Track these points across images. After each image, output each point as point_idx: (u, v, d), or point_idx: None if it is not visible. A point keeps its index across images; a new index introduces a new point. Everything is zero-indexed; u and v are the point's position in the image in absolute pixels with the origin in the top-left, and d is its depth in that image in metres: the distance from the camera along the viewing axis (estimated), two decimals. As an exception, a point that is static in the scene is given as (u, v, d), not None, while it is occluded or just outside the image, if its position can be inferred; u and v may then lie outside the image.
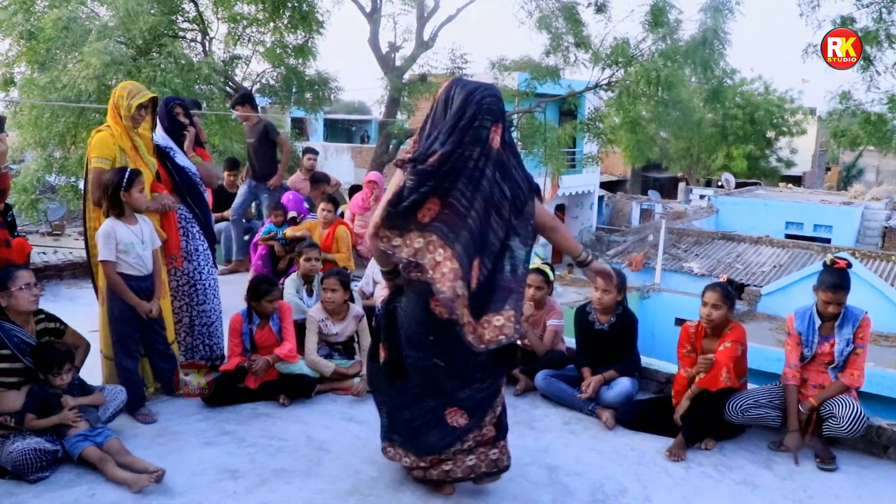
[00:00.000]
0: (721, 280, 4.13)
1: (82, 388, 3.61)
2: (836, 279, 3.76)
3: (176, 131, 4.62)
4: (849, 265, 3.81)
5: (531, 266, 4.75)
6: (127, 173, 3.86)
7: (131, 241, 3.86)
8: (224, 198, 8.01)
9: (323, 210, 6.37)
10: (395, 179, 2.89)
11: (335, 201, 6.63)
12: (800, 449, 3.77)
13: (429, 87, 14.45)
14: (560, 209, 26.28)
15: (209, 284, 4.64)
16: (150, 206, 4.11)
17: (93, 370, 3.97)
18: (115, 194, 3.82)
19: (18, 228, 6.04)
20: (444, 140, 2.79)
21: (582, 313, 4.55)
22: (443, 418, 3.05)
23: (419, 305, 2.95)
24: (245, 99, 7.63)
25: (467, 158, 2.78)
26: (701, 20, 13.81)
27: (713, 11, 13.57)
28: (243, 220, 7.81)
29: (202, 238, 4.62)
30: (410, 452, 3.18)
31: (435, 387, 3.04)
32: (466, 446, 3.10)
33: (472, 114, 2.78)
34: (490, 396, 3.09)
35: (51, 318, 3.73)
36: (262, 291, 4.34)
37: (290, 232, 6.50)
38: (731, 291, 4.03)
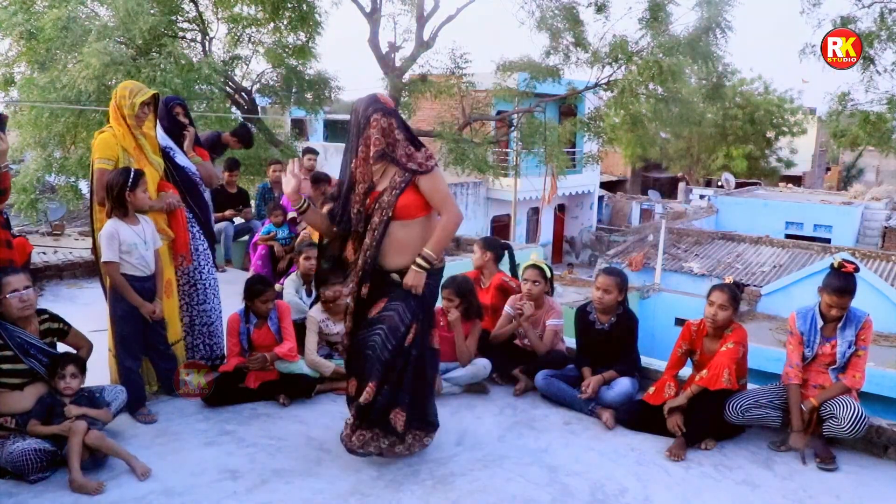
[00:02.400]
0: (728, 281, 4.12)
1: (91, 401, 3.55)
2: (842, 283, 3.71)
3: (176, 131, 4.62)
4: (856, 269, 3.77)
5: (528, 263, 4.78)
6: (132, 174, 3.85)
7: (134, 242, 3.86)
8: (224, 198, 8.02)
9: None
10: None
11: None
12: (806, 448, 3.76)
13: (429, 86, 14.45)
14: (560, 209, 26.27)
15: (209, 284, 4.65)
16: (154, 204, 4.10)
17: (93, 371, 3.96)
18: (119, 194, 3.81)
19: (18, 228, 6.05)
20: None
21: (582, 313, 4.55)
22: None
23: None
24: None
25: None
26: (699, 13, 13.86)
27: (710, 3, 13.61)
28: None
29: (202, 238, 4.63)
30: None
31: None
32: None
33: None
34: None
35: (54, 318, 3.71)
36: (256, 292, 4.34)
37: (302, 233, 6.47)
38: (738, 294, 4.03)
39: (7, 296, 3.40)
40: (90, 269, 6.84)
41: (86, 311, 5.44)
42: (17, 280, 3.45)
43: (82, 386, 3.57)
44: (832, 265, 3.81)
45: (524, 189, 20.89)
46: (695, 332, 4.13)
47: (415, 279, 3.35)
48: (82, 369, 3.59)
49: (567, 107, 21.16)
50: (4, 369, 3.39)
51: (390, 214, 3.34)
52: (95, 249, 4.12)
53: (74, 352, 3.74)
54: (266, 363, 4.29)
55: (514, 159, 18.34)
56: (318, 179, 7.81)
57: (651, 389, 4.16)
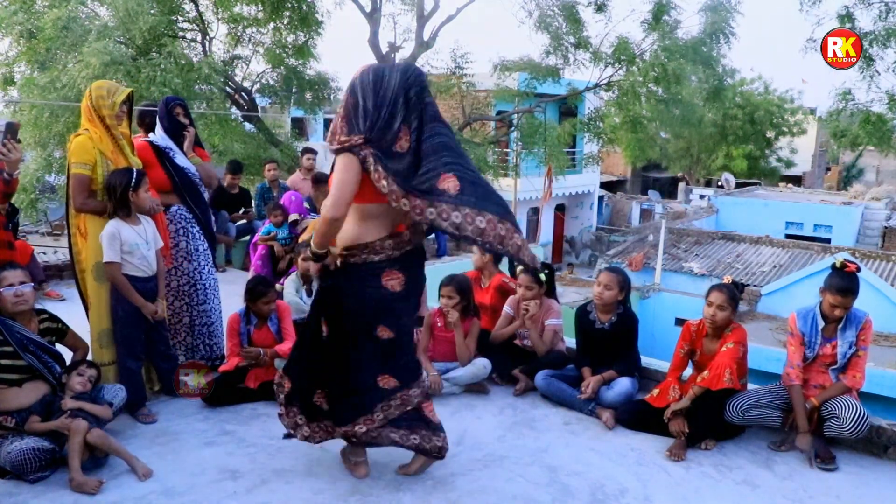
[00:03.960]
0: (727, 281, 4.12)
1: (91, 400, 3.55)
2: (845, 283, 3.69)
3: (176, 132, 4.61)
4: (858, 269, 3.76)
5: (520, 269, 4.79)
6: (135, 174, 3.84)
7: (136, 242, 3.85)
8: (226, 199, 8.03)
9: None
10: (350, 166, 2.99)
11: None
12: (810, 449, 3.76)
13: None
14: (560, 209, 26.28)
15: (209, 284, 4.65)
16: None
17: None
18: (123, 195, 3.80)
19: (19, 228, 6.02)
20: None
21: (582, 313, 4.55)
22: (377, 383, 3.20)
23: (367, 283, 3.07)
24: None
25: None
26: (703, 18, 13.87)
27: (715, 9, 13.62)
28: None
29: (202, 238, 4.62)
30: (327, 421, 3.29)
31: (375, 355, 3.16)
32: (397, 412, 3.22)
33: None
34: (418, 365, 3.35)
35: (54, 318, 3.72)
36: (259, 293, 4.34)
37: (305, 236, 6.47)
38: (736, 294, 4.02)
39: (2, 290, 3.42)
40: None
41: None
42: (14, 275, 3.48)
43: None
44: (834, 265, 3.79)
45: (524, 189, 20.90)
46: (694, 332, 4.12)
47: None
48: (97, 381, 3.64)
49: (567, 107, 21.17)
50: (3, 364, 3.39)
51: None
52: (72, 255, 4.07)
53: (72, 353, 3.75)
54: (260, 356, 4.29)
55: (514, 159, 18.35)
56: (319, 180, 7.82)
57: (655, 391, 4.14)
